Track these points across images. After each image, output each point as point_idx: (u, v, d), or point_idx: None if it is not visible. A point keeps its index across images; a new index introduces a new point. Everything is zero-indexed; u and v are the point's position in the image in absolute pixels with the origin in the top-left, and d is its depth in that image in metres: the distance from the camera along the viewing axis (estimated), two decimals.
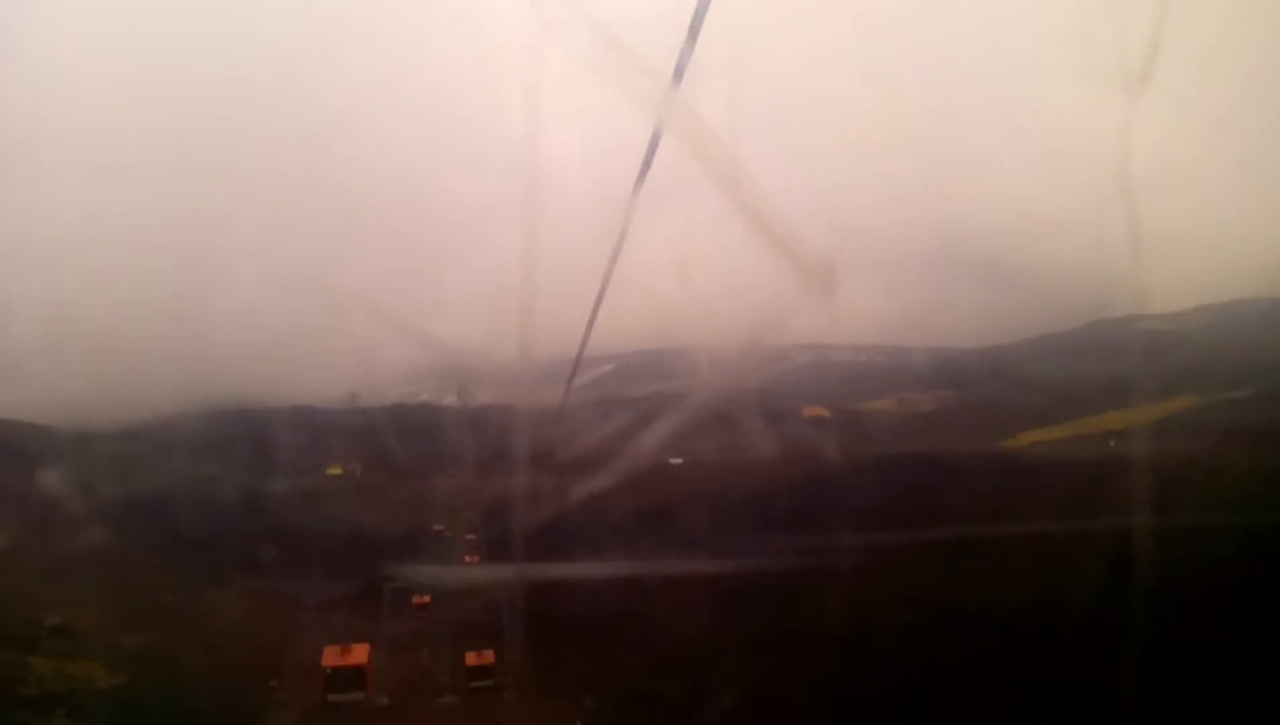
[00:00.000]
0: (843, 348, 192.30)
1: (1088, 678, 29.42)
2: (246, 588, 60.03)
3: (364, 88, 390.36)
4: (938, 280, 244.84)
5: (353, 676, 49.74)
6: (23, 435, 76.99)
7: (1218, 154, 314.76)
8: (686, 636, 47.39)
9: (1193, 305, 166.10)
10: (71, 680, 44.76)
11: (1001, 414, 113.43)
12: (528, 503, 63.05)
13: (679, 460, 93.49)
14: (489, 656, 50.73)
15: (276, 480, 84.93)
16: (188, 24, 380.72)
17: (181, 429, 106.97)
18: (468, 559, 73.78)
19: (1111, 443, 70.76)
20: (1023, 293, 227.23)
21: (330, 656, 50.58)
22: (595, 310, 17.15)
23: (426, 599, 62.48)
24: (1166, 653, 33.12)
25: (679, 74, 11.53)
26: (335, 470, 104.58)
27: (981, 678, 37.66)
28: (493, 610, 57.55)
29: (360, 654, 51.05)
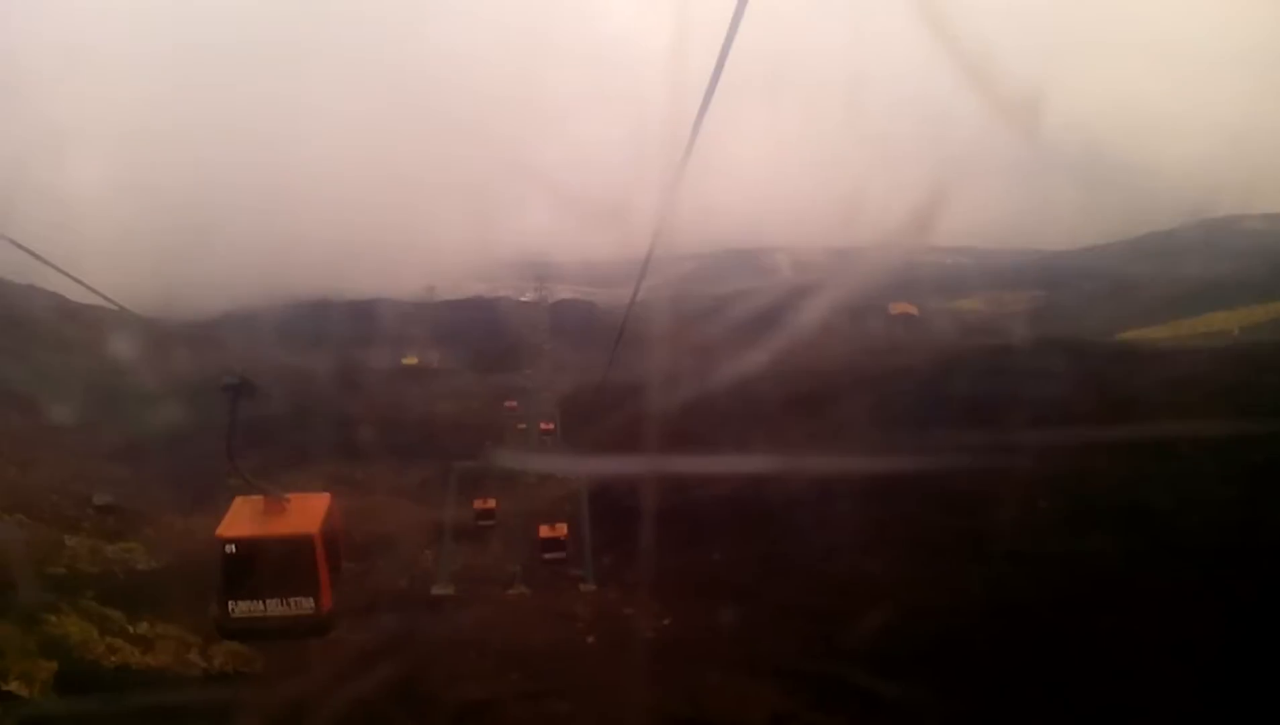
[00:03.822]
0: (928, 250, 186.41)
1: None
2: (315, 472, 58.83)
3: None
4: (1031, 179, 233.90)
5: (282, 561, 17.31)
6: (101, 317, 76.36)
7: None
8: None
9: None
10: (107, 562, 42.80)
11: (1096, 313, 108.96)
12: (603, 394, 61.36)
13: (763, 357, 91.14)
14: (562, 529, 47.83)
15: (351, 369, 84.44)
16: None
17: (259, 318, 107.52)
18: (543, 427, 71.52)
19: (1237, 331, 66.42)
20: (1121, 192, 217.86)
21: (237, 520, 17.88)
22: (666, 205, 14.53)
23: (492, 503, 53.75)
24: None
25: None
26: (410, 360, 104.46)
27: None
28: (569, 497, 55.83)
29: (306, 515, 17.87)
